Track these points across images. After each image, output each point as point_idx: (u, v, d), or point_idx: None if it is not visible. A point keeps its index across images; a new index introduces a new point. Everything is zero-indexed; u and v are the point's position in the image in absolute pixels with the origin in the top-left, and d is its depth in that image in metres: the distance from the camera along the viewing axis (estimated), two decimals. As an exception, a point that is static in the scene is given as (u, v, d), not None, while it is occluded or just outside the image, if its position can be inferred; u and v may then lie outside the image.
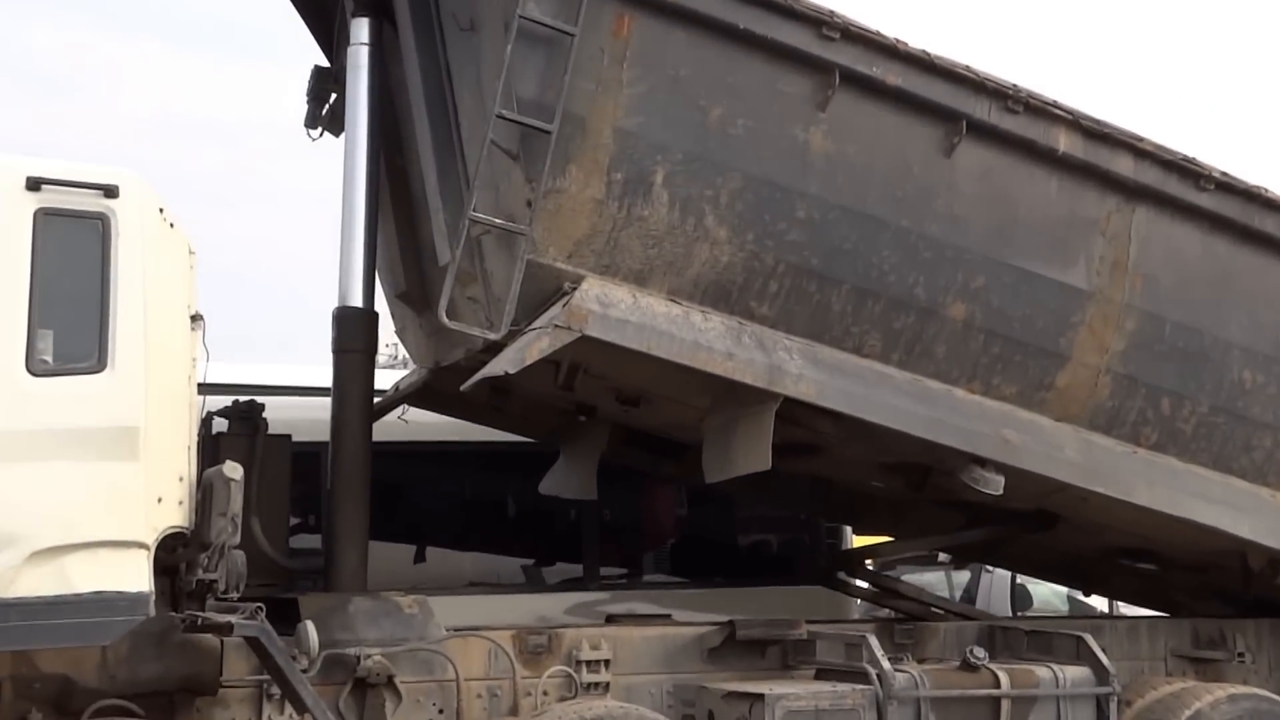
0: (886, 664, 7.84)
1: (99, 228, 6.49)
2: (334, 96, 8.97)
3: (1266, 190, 8.51)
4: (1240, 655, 9.51)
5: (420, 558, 9.97)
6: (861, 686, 7.77)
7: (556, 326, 6.96)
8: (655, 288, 7.34)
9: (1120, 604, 12.28)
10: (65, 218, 6.45)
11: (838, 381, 7.59)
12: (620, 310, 7.15)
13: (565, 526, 10.37)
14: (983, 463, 7.86)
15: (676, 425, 8.80)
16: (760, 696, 7.59)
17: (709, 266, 7.40)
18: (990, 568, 13.21)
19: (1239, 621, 9.70)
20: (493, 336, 7.08)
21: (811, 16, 7.38)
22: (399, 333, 9.09)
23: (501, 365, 6.95)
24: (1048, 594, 13.33)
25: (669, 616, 9.03)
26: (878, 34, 7.54)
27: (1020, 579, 13.13)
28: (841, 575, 10.61)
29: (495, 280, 7.31)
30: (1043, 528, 9.28)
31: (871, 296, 7.71)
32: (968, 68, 7.75)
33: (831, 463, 8.95)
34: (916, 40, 7.67)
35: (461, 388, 7.51)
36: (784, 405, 7.48)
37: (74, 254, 6.47)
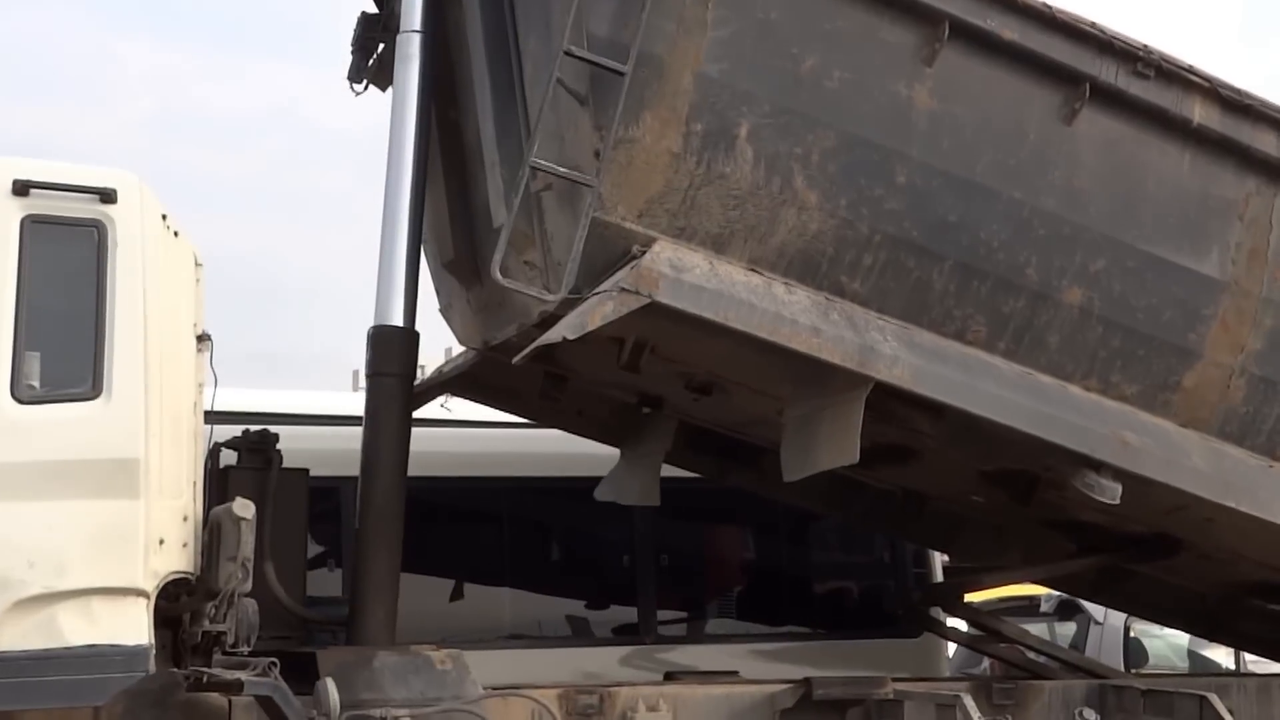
0: None
1: (94, 236, 6.47)
2: (381, 46, 9.06)
3: None
4: None
5: (452, 605, 10.02)
6: None
7: (623, 290, 6.97)
8: (735, 255, 7.35)
9: (1248, 659, 12.16)
10: (56, 225, 6.44)
11: (937, 368, 7.57)
12: (695, 276, 7.16)
13: (618, 571, 10.42)
14: (1098, 467, 7.80)
15: (751, 421, 8.81)
16: None
17: (796, 234, 7.41)
18: (1100, 619, 13.10)
19: None
20: (550, 298, 7.11)
21: (920, -43, 7.42)
22: (443, 311, 9.13)
23: (561, 331, 6.96)
24: (1165, 649, 13.23)
25: (736, 673, 9.04)
26: (989, -21, 7.57)
27: (1134, 632, 13.02)
28: (934, 614, 10.58)
29: (556, 243, 7.35)
30: (1163, 555, 9.25)
31: (978, 276, 7.69)
32: (1094, 24, 7.73)
33: (926, 471, 8.94)
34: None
35: (514, 360, 7.54)
36: (875, 397, 7.45)
37: (66, 266, 6.47)
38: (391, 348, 8.16)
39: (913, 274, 7.62)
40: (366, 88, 9.24)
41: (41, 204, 6.40)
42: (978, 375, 7.69)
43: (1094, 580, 10.45)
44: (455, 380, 9.22)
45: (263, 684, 6.76)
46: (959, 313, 7.73)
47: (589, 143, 7.11)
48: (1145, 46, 7.82)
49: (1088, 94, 7.73)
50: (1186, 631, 11.77)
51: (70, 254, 6.46)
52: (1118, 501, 7.82)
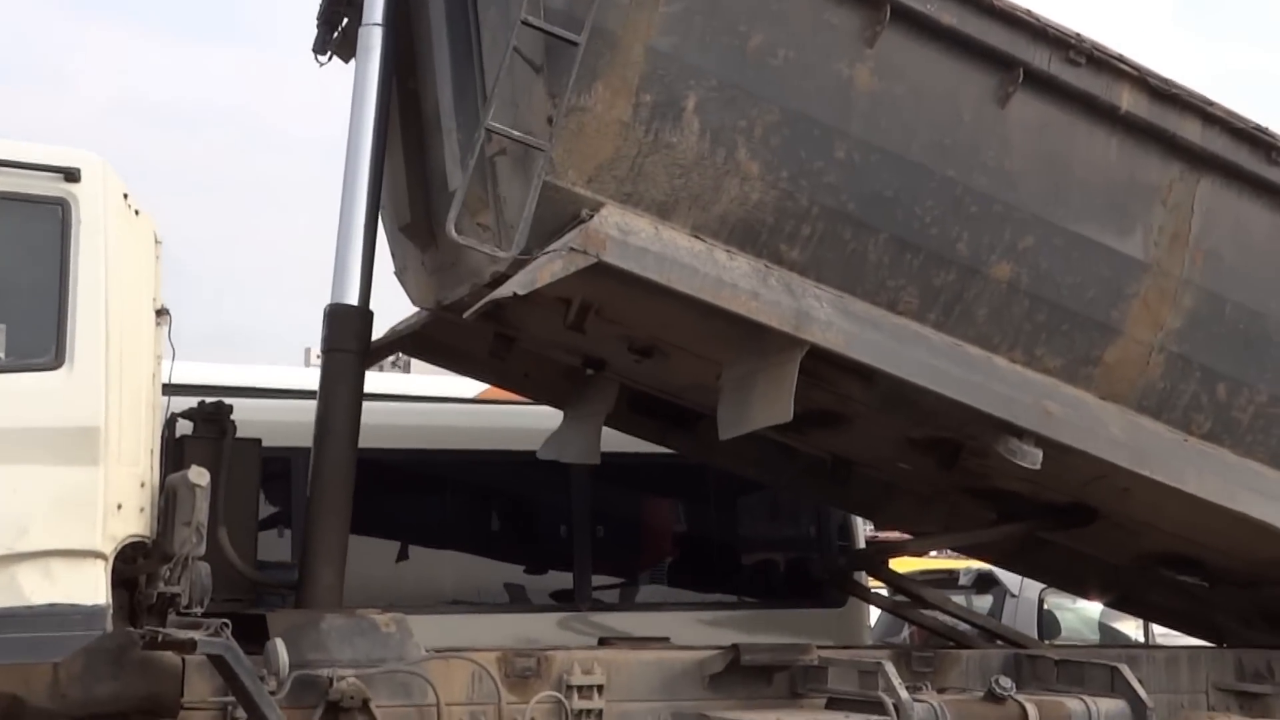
0: (904, 693, 7.86)
1: (58, 214, 6.53)
2: (345, 20, 9.17)
3: (1341, 169, 8.67)
4: None
5: (396, 571, 10.13)
6: (877, 717, 7.81)
7: (572, 250, 7.11)
8: (679, 221, 7.49)
9: (1156, 634, 12.39)
10: (20, 203, 6.50)
11: (869, 335, 7.74)
12: (641, 239, 7.31)
13: (555, 541, 10.52)
14: (1020, 434, 7.99)
15: (690, 384, 8.96)
16: None
17: (738, 203, 7.57)
18: (1015, 592, 13.30)
19: None
20: (502, 255, 7.25)
21: (862, -56, 7.58)
22: (398, 273, 9.26)
23: (512, 286, 7.10)
24: (1076, 621, 13.41)
25: (667, 640, 9.13)
26: (933, -34, 7.74)
27: (1048, 605, 13.23)
28: (860, 581, 10.77)
29: (508, 206, 7.49)
30: (1079, 524, 9.43)
31: (910, 249, 7.87)
32: (1029, 12, 7.89)
33: (856, 437, 9.12)
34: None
35: (466, 314, 7.68)
36: (809, 363, 7.61)
37: (29, 242, 6.53)
38: (346, 324, 8.27)
39: (849, 245, 7.78)
40: (330, 59, 9.34)
41: (6, 181, 6.48)
42: (908, 343, 7.87)
43: (1012, 550, 10.61)
44: (407, 339, 9.33)
45: (215, 644, 6.84)
46: (892, 283, 7.90)
47: (542, 110, 7.25)
48: (1078, 35, 8.00)
49: (1021, 79, 7.90)
50: (1098, 601, 11.99)
51: (34, 230, 6.54)
52: (1038, 467, 8.02)
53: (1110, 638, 12.80)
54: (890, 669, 8.00)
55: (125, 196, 6.88)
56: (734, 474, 10.53)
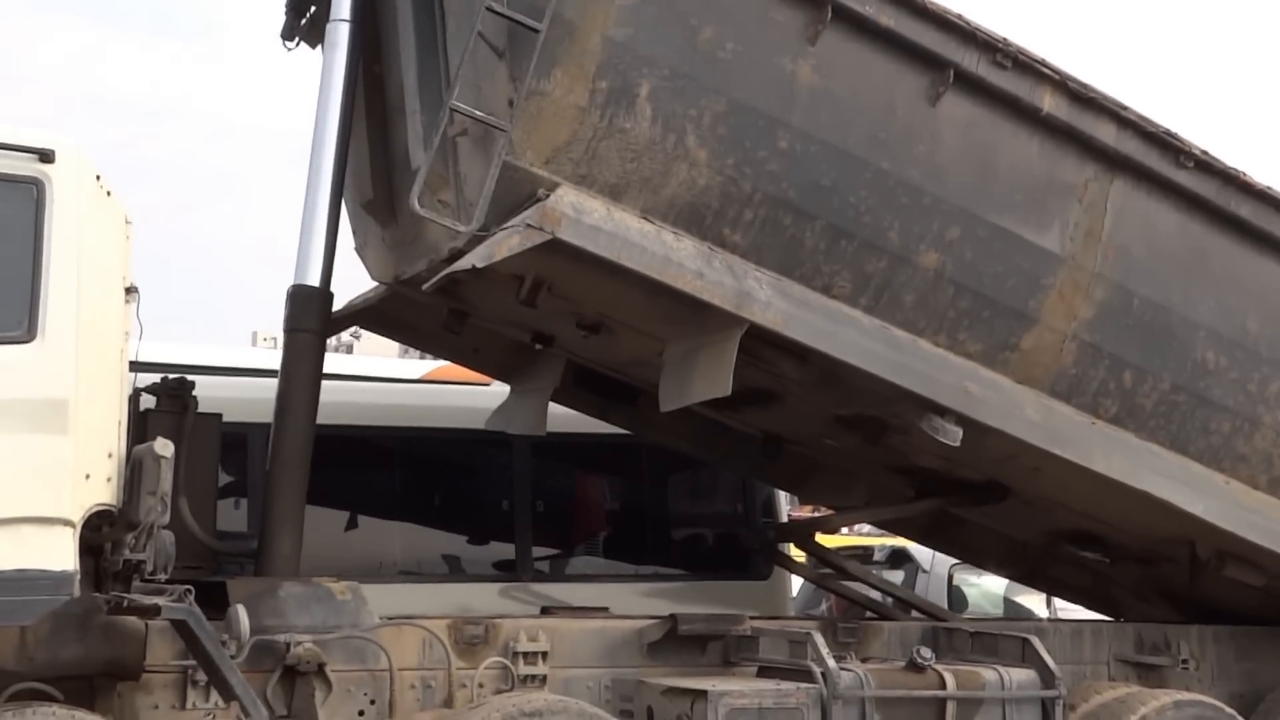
0: (832, 662, 7.78)
1: (33, 193, 6.37)
2: (313, 8, 8.94)
3: (1244, 174, 8.58)
4: (1184, 662, 9.53)
5: (348, 543, 9.86)
6: (806, 685, 7.71)
7: (529, 226, 6.95)
8: (630, 203, 7.33)
9: (1059, 609, 12.33)
10: None
11: (805, 315, 7.60)
12: (593, 219, 7.15)
13: (499, 515, 10.30)
14: (943, 413, 7.87)
15: (633, 360, 8.78)
16: (703, 693, 7.51)
17: (685, 187, 7.40)
18: (926, 568, 13.23)
19: (1183, 627, 9.73)
20: (462, 229, 7.07)
21: (807, -52, 7.44)
22: (359, 249, 9.02)
23: (471, 259, 6.94)
24: (981, 596, 13.35)
25: (606, 609, 8.99)
26: (873, -29, 7.60)
27: (956, 580, 13.16)
28: (787, 552, 10.64)
29: (468, 184, 7.30)
30: (992, 500, 9.32)
31: (845, 236, 7.72)
32: (960, 16, 7.78)
33: (787, 414, 8.97)
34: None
35: (425, 286, 7.49)
36: (747, 342, 7.46)
37: (3, 219, 6.34)
38: (308, 305, 8.06)
39: (788, 231, 7.62)
40: (298, 44, 9.11)
41: None
42: (841, 325, 7.72)
43: (928, 525, 10.51)
44: (364, 312, 9.11)
45: (178, 609, 6.63)
46: (827, 268, 7.74)
47: (504, 93, 7.07)
48: (1005, 40, 7.89)
49: (951, 79, 7.78)
50: (1006, 576, 11.87)
51: (9, 208, 6.35)
52: (958, 444, 7.89)
53: (1013, 611, 12.72)
54: (819, 639, 7.90)
55: (98, 178, 6.66)
56: (666, 453, 10.38)
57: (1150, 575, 10.16)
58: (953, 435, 7.87)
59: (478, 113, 7.01)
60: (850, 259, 7.77)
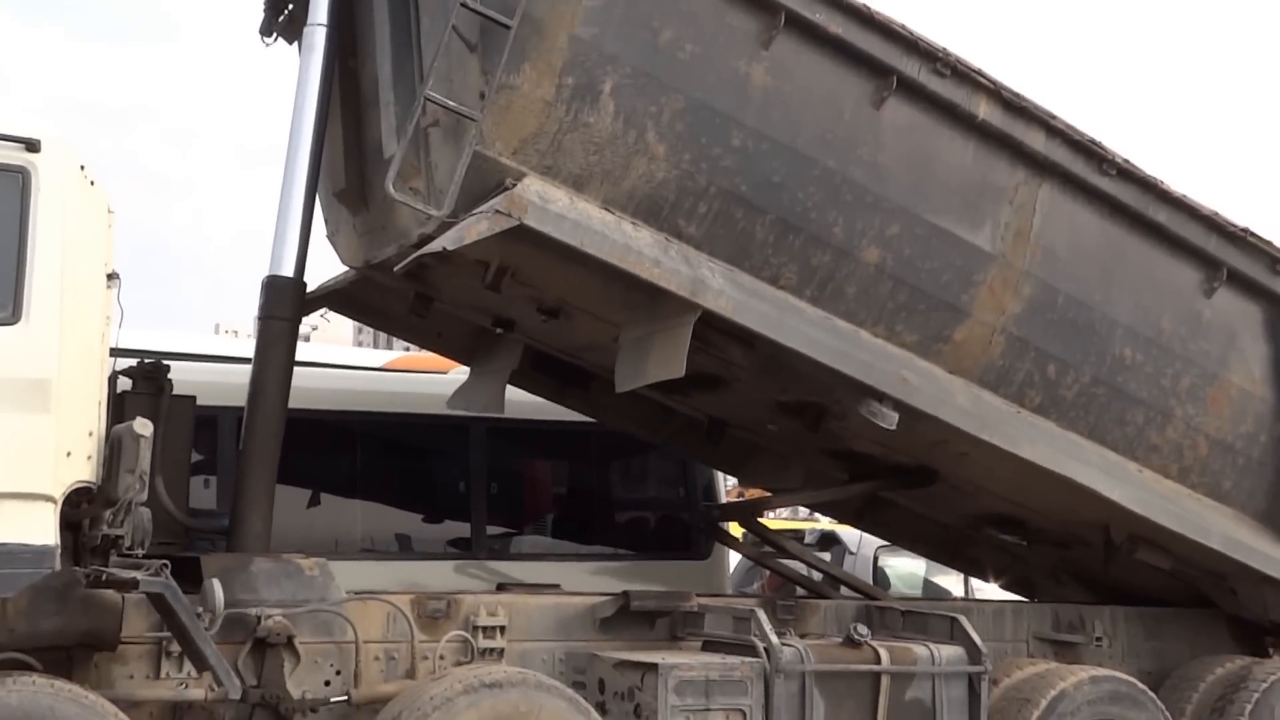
0: (775, 638, 7.70)
1: (19, 181, 6.19)
2: (290, 6, 8.79)
3: (1162, 183, 8.58)
4: (1098, 640, 9.53)
5: (314, 522, 9.69)
6: (750, 659, 7.65)
7: (498, 212, 6.83)
8: (591, 194, 7.22)
9: (975, 590, 12.32)
10: None
11: (755, 304, 7.51)
12: (558, 207, 7.04)
13: (455, 496, 10.21)
14: (881, 398, 7.80)
15: (589, 345, 8.67)
16: (653, 666, 7.41)
17: (644, 180, 7.30)
18: (853, 550, 13.20)
19: (1097, 608, 9.73)
20: (434, 213, 6.95)
21: (762, -43, 7.37)
22: (330, 236, 8.86)
23: (441, 243, 6.83)
24: (899, 579, 13.31)
25: (558, 586, 8.90)
26: (823, -19, 7.55)
27: (880, 562, 13.13)
28: (729, 529, 10.57)
29: (439, 172, 7.19)
30: (921, 484, 9.27)
31: (793, 230, 7.64)
32: (904, 26, 7.74)
33: (732, 399, 8.88)
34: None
35: (396, 268, 7.37)
36: (698, 328, 7.34)
37: None
38: (282, 295, 7.91)
39: (739, 224, 7.54)
40: (275, 40, 8.95)
41: None
42: (788, 314, 7.64)
43: (859, 508, 10.47)
44: (333, 295, 8.94)
45: (156, 583, 6.47)
46: (775, 261, 7.66)
47: (475, 86, 6.95)
48: (944, 49, 7.84)
49: (894, 85, 7.73)
50: (930, 558, 11.84)
51: None
52: (894, 428, 7.81)
53: (932, 593, 12.71)
54: (762, 615, 7.83)
55: (82, 168, 6.49)
56: (614, 439, 10.31)
57: (1065, 558, 10.16)
58: (889, 419, 7.80)
59: (451, 103, 6.89)
60: (797, 252, 7.69)
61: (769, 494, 10.78)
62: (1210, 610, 9.94)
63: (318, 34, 8.08)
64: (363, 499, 10.03)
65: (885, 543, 12.04)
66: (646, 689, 7.42)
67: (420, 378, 11.48)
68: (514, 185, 6.98)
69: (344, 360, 13.86)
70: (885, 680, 7.94)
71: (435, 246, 6.83)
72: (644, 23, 7.17)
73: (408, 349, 16.83)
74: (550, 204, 7.01)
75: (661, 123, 7.26)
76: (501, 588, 8.89)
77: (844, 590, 10.14)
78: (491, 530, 10.08)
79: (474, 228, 6.82)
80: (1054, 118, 8.21)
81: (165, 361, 7.92)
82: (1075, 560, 10.06)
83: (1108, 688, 8.62)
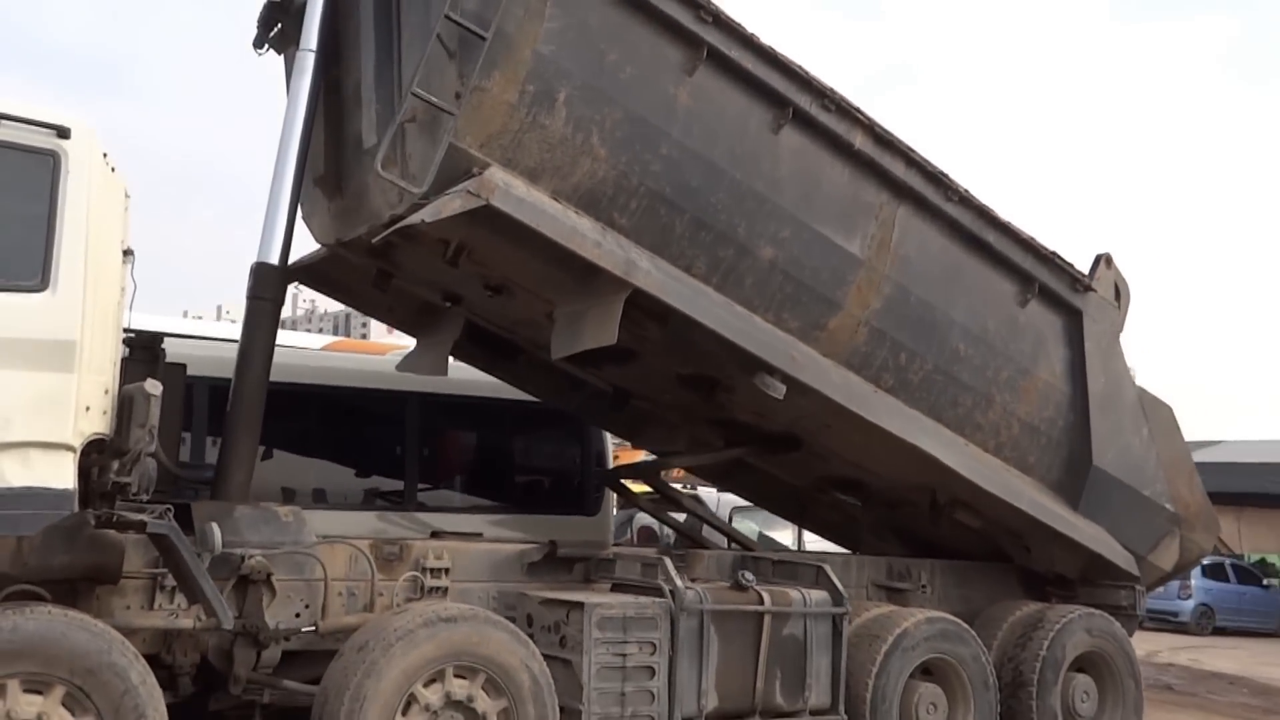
0: (680, 581, 7.64)
1: (50, 163, 5.96)
2: (279, 25, 8.51)
3: (993, 210, 8.75)
4: (923, 586, 9.59)
5: (279, 477, 9.33)
6: (658, 599, 7.58)
7: (469, 192, 6.69)
8: (543, 186, 7.09)
9: (805, 544, 12.36)
10: (19, 151, 5.92)
11: (675, 285, 7.45)
12: (518, 192, 6.90)
13: (392, 458, 9.94)
14: (772, 371, 7.81)
15: (524, 320, 8.53)
16: (579, 604, 7.32)
17: (588, 176, 7.20)
18: (714, 509, 13.17)
19: (920, 560, 9.77)
20: (415, 190, 6.77)
21: (692, 0, 7.35)
22: (306, 218, 8.57)
23: (420, 215, 6.66)
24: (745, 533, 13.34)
25: (480, 535, 8.74)
26: (740, 25, 7.51)
27: (734, 520, 13.13)
28: (625, 486, 10.46)
29: (414, 160, 7.00)
30: (787, 449, 9.29)
31: (705, 228, 7.59)
32: (801, 68, 7.77)
33: (639, 371, 8.81)
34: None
35: (374, 240, 7.18)
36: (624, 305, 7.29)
37: (25, 185, 5.93)
38: (268, 278, 7.66)
39: (662, 219, 7.47)
40: (266, 51, 8.67)
41: (9, 133, 5.90)
42: (700, 296, 7.58)
43: (727, 470, 10.48)
44: (304, 270, 8.65)
45: (161, 525, 6.24)
46: (690, 252, 7.60)
47: (452, 87, 6.79)
48: (832, 89, 7.89)
49: (791, 115, 7.75)
50: (782, 516, 11.88)
51: (30, 175, 5.94)
52: (782, 397, 7.81)
53: (768, 545, 12.73)
54: (668, 562, 7.76)
55: (105, 155, 6.25)
56: (524, 411, 10.13)
57: (892, 517, 10.24)
58: (779, 390, 7.80)
59: (433, 98, 6.73)
60: (707, 246, 7.65)
61: (654, 456, 10.70)
62: (1006, 564, 10.07)
63: (308, 58, 7.83)
64: (315, 457, 9.78)
65: (741, 503, 12.03)
66: (572, 623, 7.31)
67: (365, 357, 11.26)
68: (481, 172, 6.83)
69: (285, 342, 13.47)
70: (767, 619, 7.89)
71: (415, 219, 6.65)
72: (594, 46, 7.10)
73: (336, 331, 16.43)
74: (512, 190, 6.88)
75: (604, 129, 7.17)
76: (435, 535, 8.67)
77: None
78: (422, 487, 9.86)
79: (449, 204, 6.66)
80: (914, 151, 8.31)
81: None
82: (900, 519, 10.15)
83: (940, 626, 8.68)
